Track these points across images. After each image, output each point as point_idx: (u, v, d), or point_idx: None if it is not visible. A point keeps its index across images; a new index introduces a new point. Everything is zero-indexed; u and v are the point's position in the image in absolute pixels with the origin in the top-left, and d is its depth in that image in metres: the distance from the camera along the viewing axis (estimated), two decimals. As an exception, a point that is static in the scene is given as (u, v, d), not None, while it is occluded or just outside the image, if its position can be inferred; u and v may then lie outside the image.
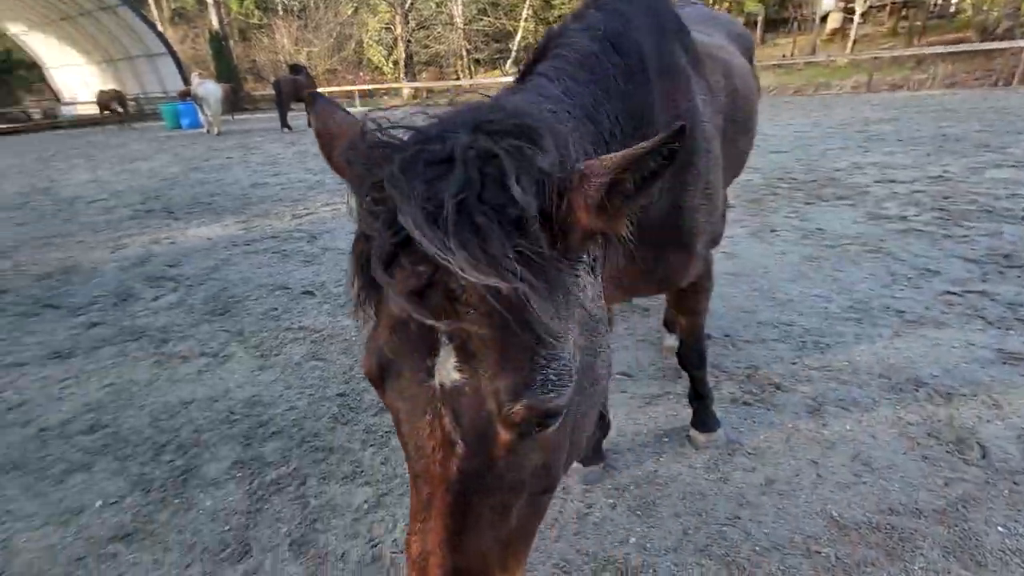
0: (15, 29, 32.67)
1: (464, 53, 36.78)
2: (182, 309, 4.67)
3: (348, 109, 1.06)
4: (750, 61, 2.89)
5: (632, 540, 2.16)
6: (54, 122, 27.18)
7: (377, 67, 38.97)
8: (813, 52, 25.79)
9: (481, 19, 36.04)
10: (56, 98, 34.33)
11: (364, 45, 38.82)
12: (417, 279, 0.79)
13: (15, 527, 2.43)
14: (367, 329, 0.91)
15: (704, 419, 2.66)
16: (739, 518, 2.22)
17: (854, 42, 25.81)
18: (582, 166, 0.85)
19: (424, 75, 37.43)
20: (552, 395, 0.82)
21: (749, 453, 2.58)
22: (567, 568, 2.07)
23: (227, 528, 2.35)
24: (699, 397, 2.66)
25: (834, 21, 28.91)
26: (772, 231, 5.68)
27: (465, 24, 35.94)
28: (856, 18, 25.63)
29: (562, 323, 0.84)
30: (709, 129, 1.73)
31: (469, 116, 0.91)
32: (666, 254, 1.79)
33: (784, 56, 25.72)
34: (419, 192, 0.79)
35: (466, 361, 0.80)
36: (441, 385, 0.81)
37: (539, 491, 0.93)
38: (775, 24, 31.53)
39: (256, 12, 39.89)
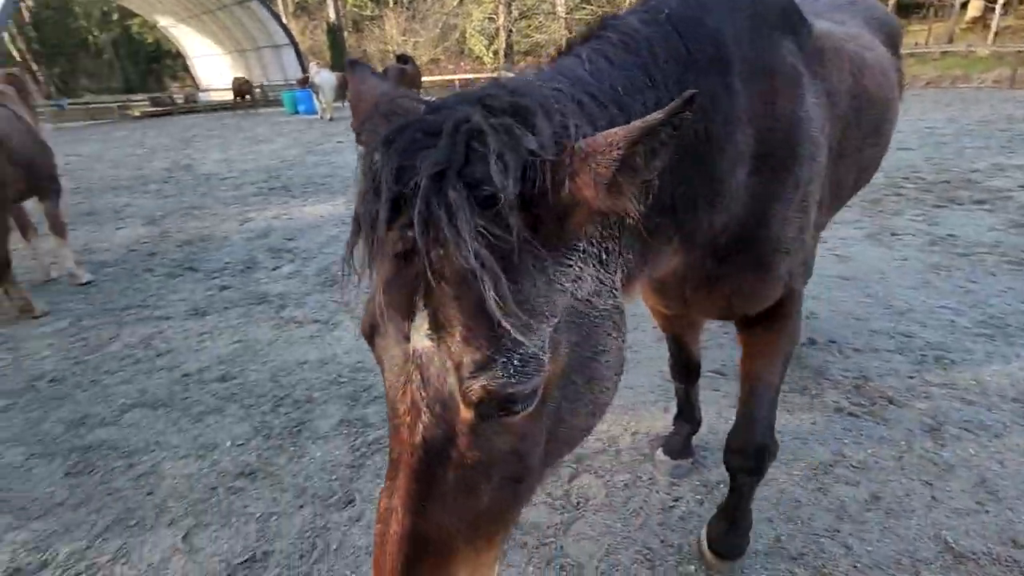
0: (164, 22, 36.69)
1: (564, 43, 36.52)
2: (297, 279, 5.11)
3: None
4: (895, 51, 2.48)
5: (719, 538, 2.13)
6: (193, 107, 30.33)
7: (478, 57, 39.73)
8: (950, 41, 23.07)
9: (583, 8, 35.54)
10: (196, 85, 38.22)
11: (467, 35, 39.69)
12: (403, 243, 0.80)
13: (163, 455, 2.82)
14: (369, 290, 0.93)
15: (728, 543, 1.98)
16: (839, 531, 2.12)
17: (995, 33, 22.76)
18: (583, 144, 0.82)
19: (523, 64, 37.69)
20: (512, 381, 0.80)
21: (853, 466, 2.44)
22: (650, 556, 2.08)
23: (334, 478, 2.59)
24: (729, 518, 1.97)
25: (974, 10, 25.68)
26: (893, 234, 5.22)
27: (567, 13, 35.67)
28: (997, 8, 22.58)
29: (531, 311, 0.82)
30: (818, 137, 1.52)
31: (477, 93, 0.90)
32: (739, 269, 1.54)
33: (917, 44, 23.18)
34: (394, 163, 0.80)
35: (436, 330, 0.80)
36: (414, 350, 0.83)
37: (511, 477, 0.90)
38: (908, 9, 28.40)
39: (369, 4, 41.98)
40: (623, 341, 1.02)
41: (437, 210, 0.75)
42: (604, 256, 0.97)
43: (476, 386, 0.79)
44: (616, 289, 1.01)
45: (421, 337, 0.82)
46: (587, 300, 0.93)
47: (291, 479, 2.60)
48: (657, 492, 2.39)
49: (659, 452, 2.54)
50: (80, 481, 2.65)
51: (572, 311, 0.90)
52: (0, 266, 4.27)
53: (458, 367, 0.80)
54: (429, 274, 0.78)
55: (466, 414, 0.83)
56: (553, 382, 0.88)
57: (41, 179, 4.69)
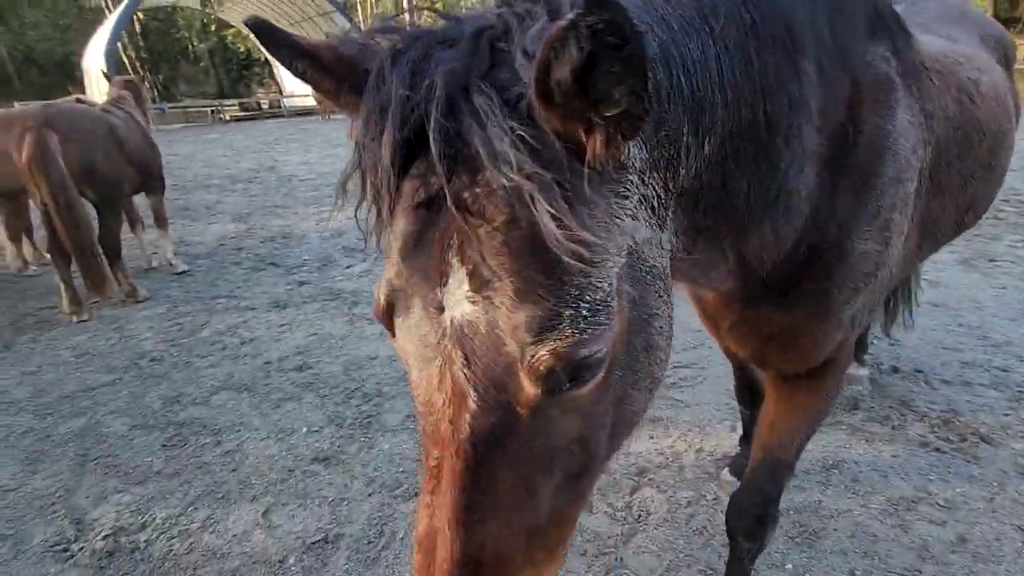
0: (256, 33, 39.36)
1: None
2: (369, 278, 5.34)
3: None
4: (1009, 71, 2.21)
5: (788, 566, 2.07)
6: (277, 111, 32.26)
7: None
8: (1052, 56, 21.10)
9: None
10: (280, 91, 40.62)
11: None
12: (425, 189, 0.67)
13: (246, 436, 3.03)
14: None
15: None
16: (920, 572, 2.00)
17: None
18: None
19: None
20: (585, 337, 0.65)
21: (939, 505, 2.29)
22: (713, 576, 2.05)
23: (401, 470, 2.70)
24: None
25: (1067, 29, 23.43)
26: (990, 260, 4.85)
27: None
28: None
29: (593, 240, 0.66)
30: (909, 160, 1.34)
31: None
32: (792, 306, 1.32)
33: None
34: (404, 73, 0.67)
35: (479, 289, 0.65)
36: (452, 321, 0.67)
37: (574, 472, 0.75)
38: (1005, 23, 26.28)
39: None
40: (671, 310, 0.87)
41: (466, 119, 0.63)
42: (655, 204, 0.83)
43: (543, 352, 0.64)
44: (664, 247, 0.87)
45: (460, 303, 0.66)
46: (641, 250, 0.78)
47: (361, 468, 2.73)
48: (722, 512, 2.33)
49: (725, 472, 2.49)
50: (175, 453, 2.90)
51: (631, 257, 0.75)
52: (112, 254, 4.72)
53: (516, 330, 0.64)
54: (462, 214, 0.64)
55: (530, 390, 0.67)
56: (618, 342, 0.73)
57: (151, 177, 5.17)
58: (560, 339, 0.64)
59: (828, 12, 1.20)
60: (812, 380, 1.52)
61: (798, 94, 1.08)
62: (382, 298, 0.75)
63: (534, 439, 0.70)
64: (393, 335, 0.77)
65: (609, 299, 0.68)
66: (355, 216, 0.74)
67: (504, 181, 0.61)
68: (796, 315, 1.35)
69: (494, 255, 0.64)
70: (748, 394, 2.38)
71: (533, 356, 0.64)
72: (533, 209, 0.62)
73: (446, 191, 0.64)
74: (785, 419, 1.61)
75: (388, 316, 0.75)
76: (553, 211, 0.62)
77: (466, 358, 0.67)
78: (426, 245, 0.68)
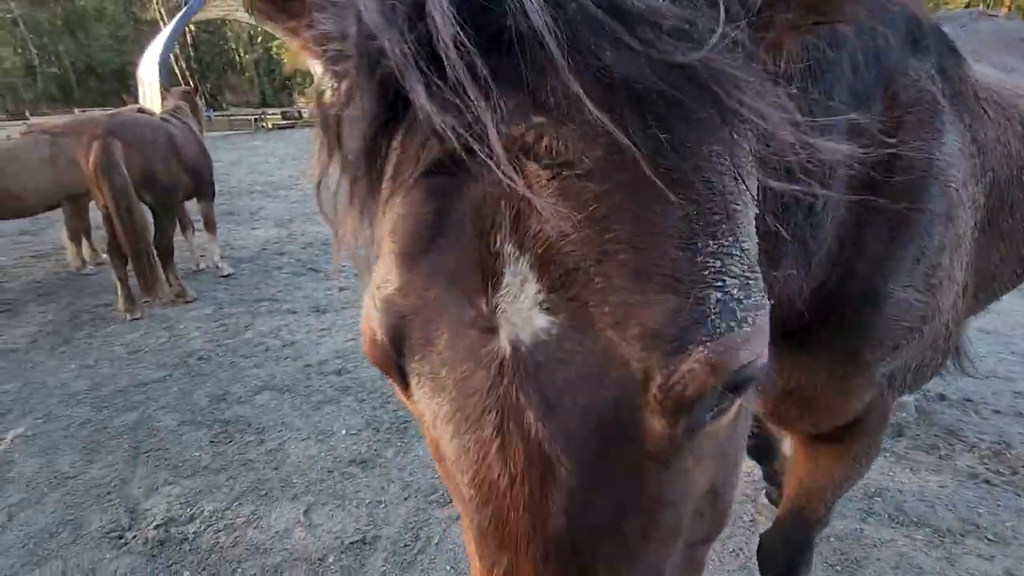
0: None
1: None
2: (406, 286, 5.44)
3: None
4: None
5: (827, 593, 2.03)
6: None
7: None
8: None
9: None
10: (320, 101, 41.94)
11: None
12: (441, 142, 0.42)
13: (288, 436, 3.13)
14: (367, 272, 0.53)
15: None
16: (967, 606, 1.95)
17: None
18: None
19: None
20: (747, 329, 0.43)
21: (987, 538, 2.22)
22: (750, 599, 2.03)
23: (436, 476, 2.74)
24: None
25: None
26: (1046, 288, 4.67)
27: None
28: None
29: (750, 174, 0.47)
30: (959, 194, 1.17)
31: None
32: (812, 357, 1.15)
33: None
34: None
35: (560, 286, 0.42)
36: (515, 346, 0.43)
37: (698, 540, 0.55)
38: None
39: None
40: None
41: None
42: None
43: (691, 365, 0.41)
44: None
45: (527, 314, 0.43)
46: None
47: (397, 472, 2.79)
48: (757, 536, 2.31)
49: (763, 495, 2.46)
50: (221, 450, 3.01)
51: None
52: (165, 256, 4.95)
53: (638, 340, 0.41)
54: (533, 168, 0.41)
55: (661, 432, 0.44)
56: None
57: (203, 183, 5.41)
58: (711, 339, 0.41)
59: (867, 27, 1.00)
60: (838, 444, 1.35)
61: (831, 88, 0.91)
62: (380, 332, 0.49)
63: (658, 509, 0.47)
64: (405, 388, 0.51)
65: (757, 267, 0.46)
66: (318, 191, 0.49)
67: (690, 59, 0.38)
68: (816, 368, 1.16)
69: (593, 224, 0.40)
70: (761, 448, 2.28)
71: (672, 376, 0.41)
72: (722, 91, 0.40)
73: (493, 124, 0.39)
74: (811, 477, 1.48)
75: (394, 360, 0.50)
76: (752, 98, 0.41)
77: (545, 401, 0.43)
78: (451, 232, 0.44)
